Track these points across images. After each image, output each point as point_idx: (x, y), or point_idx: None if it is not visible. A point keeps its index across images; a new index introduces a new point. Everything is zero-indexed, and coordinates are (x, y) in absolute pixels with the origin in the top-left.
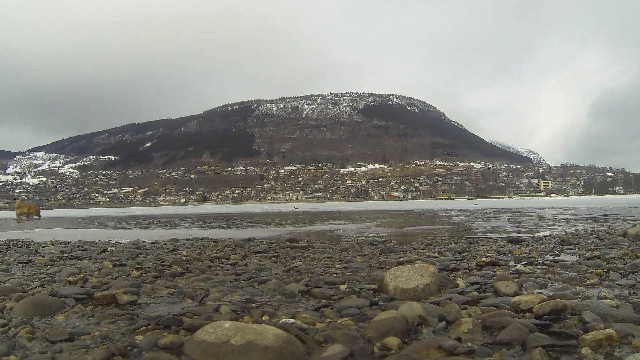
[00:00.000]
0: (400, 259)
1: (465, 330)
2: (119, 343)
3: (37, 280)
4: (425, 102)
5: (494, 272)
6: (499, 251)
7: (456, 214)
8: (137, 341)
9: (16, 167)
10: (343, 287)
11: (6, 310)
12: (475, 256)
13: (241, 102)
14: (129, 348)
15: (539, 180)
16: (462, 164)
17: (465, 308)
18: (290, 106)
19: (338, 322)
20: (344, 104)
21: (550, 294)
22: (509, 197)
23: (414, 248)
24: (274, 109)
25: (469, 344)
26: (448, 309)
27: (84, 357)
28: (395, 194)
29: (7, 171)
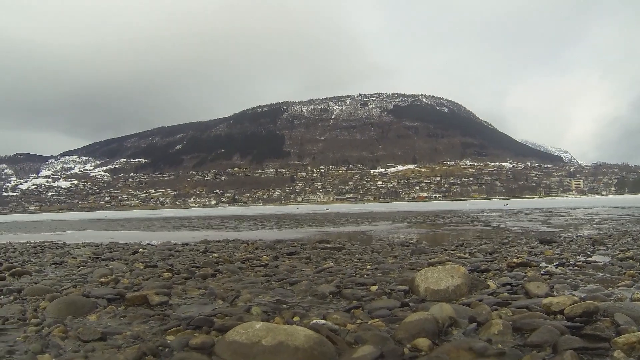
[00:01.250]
0: (431, 260)
1: (496, 332)
2: (151, 343)
3: (69, 281)
4: (454, 102)
5: (525, 273)
6: (530, 252)
7: (487, 214)
8: (169, 341)
9: (48, 170)
10: (374, 288)
11: (40, 310)
12: (506, 257)
13: (270, 104)
14: (160, 348)
15: (570, 180)
16: (492, 163)
17: (496, 309)
18: (319, 107)
19: (369, 323)
20: (373, 105)
21: (582, 295)
22: (539, 197)
23: (444, 249)
24: (304, 110)
25: (500, 345)
26: (478, 310)
27: (116, 356)
28: (426, 194)
29: (40, 174)
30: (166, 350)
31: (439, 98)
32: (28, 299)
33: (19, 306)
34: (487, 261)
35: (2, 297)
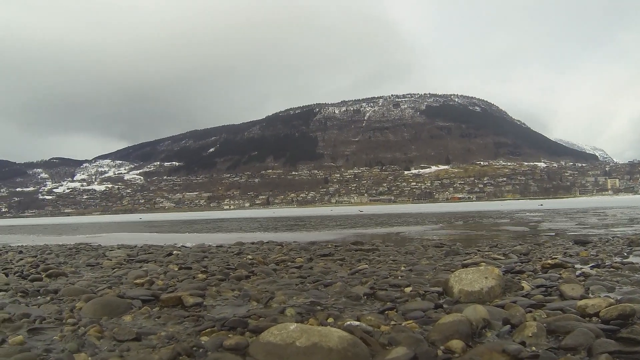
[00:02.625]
0: (465, 262)
1: (530, 334)
2: (185, 343)
3: (104, 282)
4: (486, 101)
5: (560, 274)
6: (565, 253)
7: (521, 215)
8: (203, 342)
9: (83, 174)
10: (408, 289)
11: (76, 310)
12: (540, 258)
13: (303, 106)
14: (194, 348)
15: (605, 179)
16: (526, 163)
17: (530, 311)
18: (352, 109)
19: (402, 324)
20: (405, 106)
21: (618, 297)
22: (574, 197)
23: (478, 250)
24: (336, 112)
25: (534, 348)
26: (512, 312)
27: (151, 356)
28: (460, 195)
29: (75, 178)
30: (200, 350)
31: (471, 97)
32: (64, 300)
33: (56, 306)
34: (522, 262)
35: (39, 297)
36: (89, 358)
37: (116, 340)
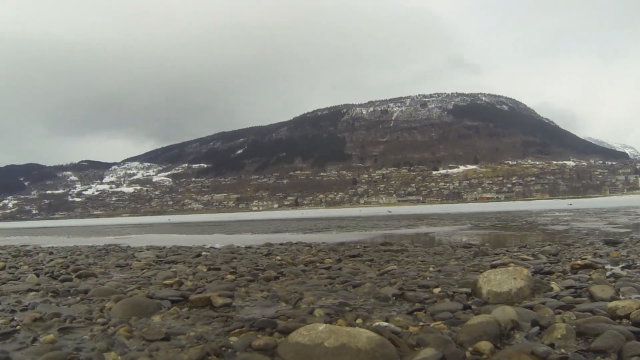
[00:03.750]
0: (494, 262)
1: (559, 336)
2: (214, 343)
3: (134, 283)
4: (514, 100)
5: (590, 275)
6: (595, 253)
7: (550, 214)
8: (231, 342)
9: (112, 176)
10: (436, 290)
11: (105, 310)
12: (570, 259)
13: (330, 107)
14: (223, 348)
15: (636, 177)
16: (554, 162)
17: (559, 313)
18: (379, 109)
19: (431, 325)
20: (432, 105)
21: None
22: (604, 196)
23: (507, 250)
24: (364, 112)
25: (562, 350)
26: (541, 313)
27: (180, 356)
28: (488, 195)
29: (104, 181)
30: (229, 350)
31: (499, 96)
32: (94, 300)
33: (86, 306)
34: (551, 263)
35: (69, 297)
36: (119, 357)
37: (145, 340)
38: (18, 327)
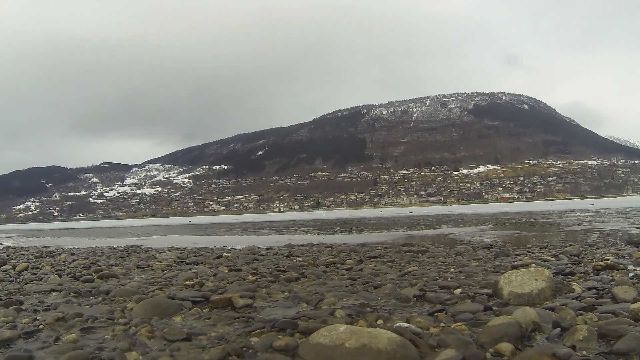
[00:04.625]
0: (515, 263)
1: (581, 338)
2: (235, 344)
3: (155, 283)
4: (534, 99)
5: (612, 276)
6: (618, 254)
7: (572, 214)
8: (252, 343)
9: (133, 178)
10: (457, 291)
11: (127, 310)
12: (592, 259)
13: (350, 107)
14: (244, 349)
15: None
16: (576, 161)
17: (581, 314)
18: (399, 110)
19: (452, 326)
20: (452, 105)
21: None
22: (627, 196)
23: (528, 251)
24: (384, 113)
25: (584, 352)
26: (563, 315)
27: (201, 356)
28: (509, 195)
29: (125, 182)
30: (250, 351)
31: (519, 95)
32: (116, 300)
33: (107, 306)
34: (572, 264)
35: (91, 297)
36: (140, 357)
37: (167, 340)
38: (41, 326)
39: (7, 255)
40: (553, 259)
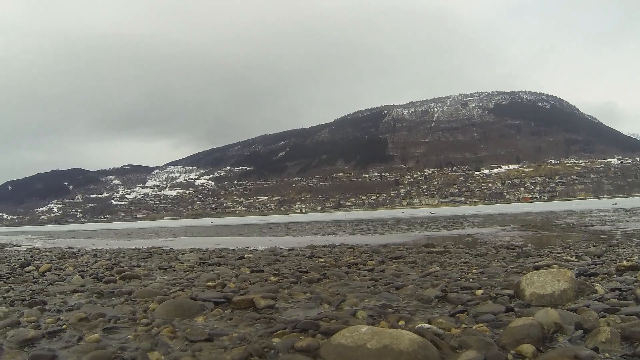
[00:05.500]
0: (537, 264)
1: (603, 340)
2: (256, 345)
3: (177, 284)
4: (556, 97)
5: (636, 277)
6: None
7: (594, 214)
8: (274, 343)
9: (154, 180)
10: (479, 292)
11: (149, 311)
12: (615, 260)
13: (371, 108)
14: (265, 350)
15: None
16: (598, 160)
17: (604, 316)
18: (420, 110)
19: (473, 328)
20: (473, 105)
21: None
22: None
23: (550, 252)
24: (405, 113)
25: (607, 355)
26: (585, 316)
27: (223, 357)
28: (531, 195)
29: (146, 184)
30: (272, 352)
31: (540, 94)
32: (138, 301)
33: (130, 307)
34: (595, 264)
35: (113, 298)
36: (162, 357)
37: (188, 341)
38: (64, 326)
39: (31, 257)
40: (575, 260)
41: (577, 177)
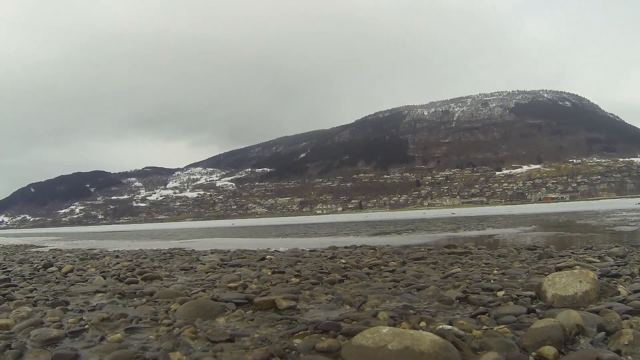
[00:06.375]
0: (559, 265)
1: (626, 343)
2: (278, 345)
3: (198, 285)
4: (577, 95)
5: None
6: None
7: (617, 214)
8: (295, 344)
9: (175, 182)
10: (500, 293)
11: (170, 311)
12: (638, 261)
13: (392, 109)
14: (287, 350)
15: None
16: (621, 159)
17: (627, 318)
18: (440, 110)
19: (494, 329)
20: (494, 104)
21: None
22: None
23: (572, 253)
24: (425, 113)
25: (629, 357)
26: (608, 318)
27: (244, 357)
28: (553, 195)
29: (167, 186)
30: (293, 352)
31: (561, 92)
32: (159, 302)
33: (151, 307)
34: (618, 265)
35: (135, 299)
36: (184, 357)
37: (210, 341)
38: (86, 326)
39: (53, 257)
40: (598, 261)
41: (599, 177)
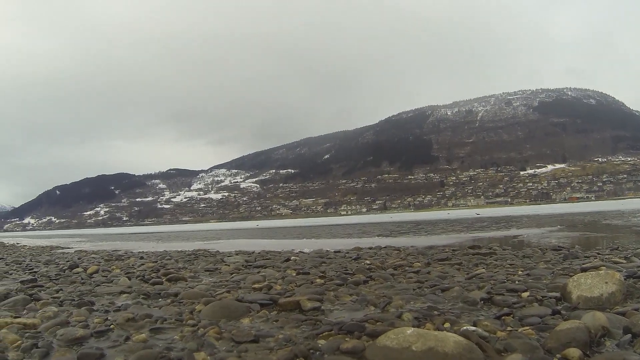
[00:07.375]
0: (584, 265)
1: None
2: (302, 346)
3: (223, 286)
4: (602, 92)
5: None
6: None
7: None
8: (320, 345)
9: (199, 184)
10: (525, 294)
11: (195, 312)
12: None
13: (415, 109)
14: (311, 351)
15: None
16: None
17: None
18: (464, 110)
19: (519, 330)
20: (517, 103)
21: None
22: None
23: (598, 253)
24: (449, 113)
25: None
26: (634, 320)
27: (268, 357)
28: (578, 195)
29: (192, 188)
30: (317, 353)
31: (585, 90)
32: (184, 302)
33: (176, 308)
34: None
35: (160, 299)
36: (208, 357)
37: (234, 342)
38: (112, 326)
39: (79, 259)
40: (624, 262)
41: (625, 176)
